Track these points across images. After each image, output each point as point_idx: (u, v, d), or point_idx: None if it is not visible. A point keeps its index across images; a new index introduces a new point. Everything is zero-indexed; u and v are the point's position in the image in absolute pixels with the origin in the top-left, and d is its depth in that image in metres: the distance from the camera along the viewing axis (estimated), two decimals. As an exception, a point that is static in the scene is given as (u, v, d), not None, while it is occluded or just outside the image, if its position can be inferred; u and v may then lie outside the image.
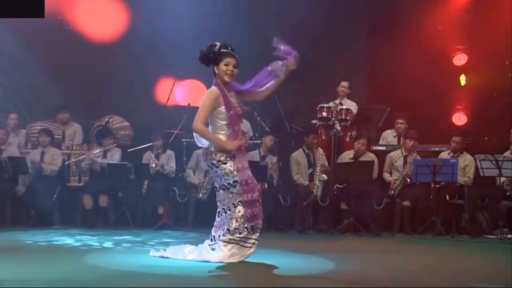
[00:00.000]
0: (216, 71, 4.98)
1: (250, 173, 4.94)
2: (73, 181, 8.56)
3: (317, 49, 9.70)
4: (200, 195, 8.13)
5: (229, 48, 4.99)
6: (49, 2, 7.75)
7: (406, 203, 7.93)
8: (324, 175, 7.97)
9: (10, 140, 8.54)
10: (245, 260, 4.91)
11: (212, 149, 4.90)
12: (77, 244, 6.25)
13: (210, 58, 4.97)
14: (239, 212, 4.87)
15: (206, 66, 5.02)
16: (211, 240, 4.99)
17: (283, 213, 8.12)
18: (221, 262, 4.81)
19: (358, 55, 10.15)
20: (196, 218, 8.24)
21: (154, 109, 9.57)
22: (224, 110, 4.89)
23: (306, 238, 7.40)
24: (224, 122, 4.91)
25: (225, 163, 4.87)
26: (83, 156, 8.43)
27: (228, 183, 4.89)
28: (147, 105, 9.55)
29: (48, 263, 5.00)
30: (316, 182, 7.97)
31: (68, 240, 6.51)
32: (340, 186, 7.97)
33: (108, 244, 6.24)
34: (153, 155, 8.29)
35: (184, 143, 8.78)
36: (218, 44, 4.97)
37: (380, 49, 9.59)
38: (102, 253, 5.64)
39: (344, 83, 9.06)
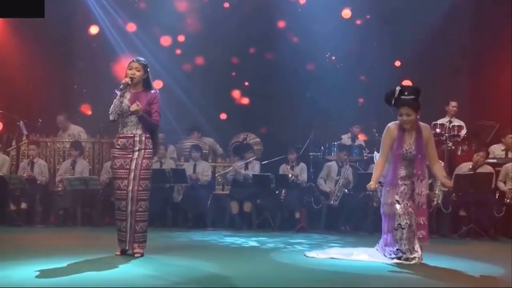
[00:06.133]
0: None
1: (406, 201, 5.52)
2: (218, 189, 9.90)
3: (423, 70, 10.75)
4: (332, 201, 9.23)
5: (406, 93, 5.42)
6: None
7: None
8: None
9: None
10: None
11: None
12: (247, 244, 7.27)
13: (392, 102, 5.53)
14: (396, 235, 5.55)
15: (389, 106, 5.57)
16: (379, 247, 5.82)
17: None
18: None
19: (462, 75, 11.10)
20: (327, 222, 9.29)
21: (285, 127, 10.86)
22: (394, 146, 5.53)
23: (434, 242, 8.10)
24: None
25: (382, 185, 5.74)
26: (230, 169, 9.72)
27: (383, 203, 5.62)
28: (280, 122, 10.87)
29: (236, 260, 5.90)
30: (437, 191, 8.91)
31: (235, 240, 7.59)
32: (458, 194, 8.82)
33: (270, 245, 7.13)
34: (289, 167, 9.48)
35: (311, 157, 9.98)
36: (397, 89, 5.48)
37: (485, 70, 10.48)
38: (281, 252, 6.51)
39: (454, 103, 9.89)
